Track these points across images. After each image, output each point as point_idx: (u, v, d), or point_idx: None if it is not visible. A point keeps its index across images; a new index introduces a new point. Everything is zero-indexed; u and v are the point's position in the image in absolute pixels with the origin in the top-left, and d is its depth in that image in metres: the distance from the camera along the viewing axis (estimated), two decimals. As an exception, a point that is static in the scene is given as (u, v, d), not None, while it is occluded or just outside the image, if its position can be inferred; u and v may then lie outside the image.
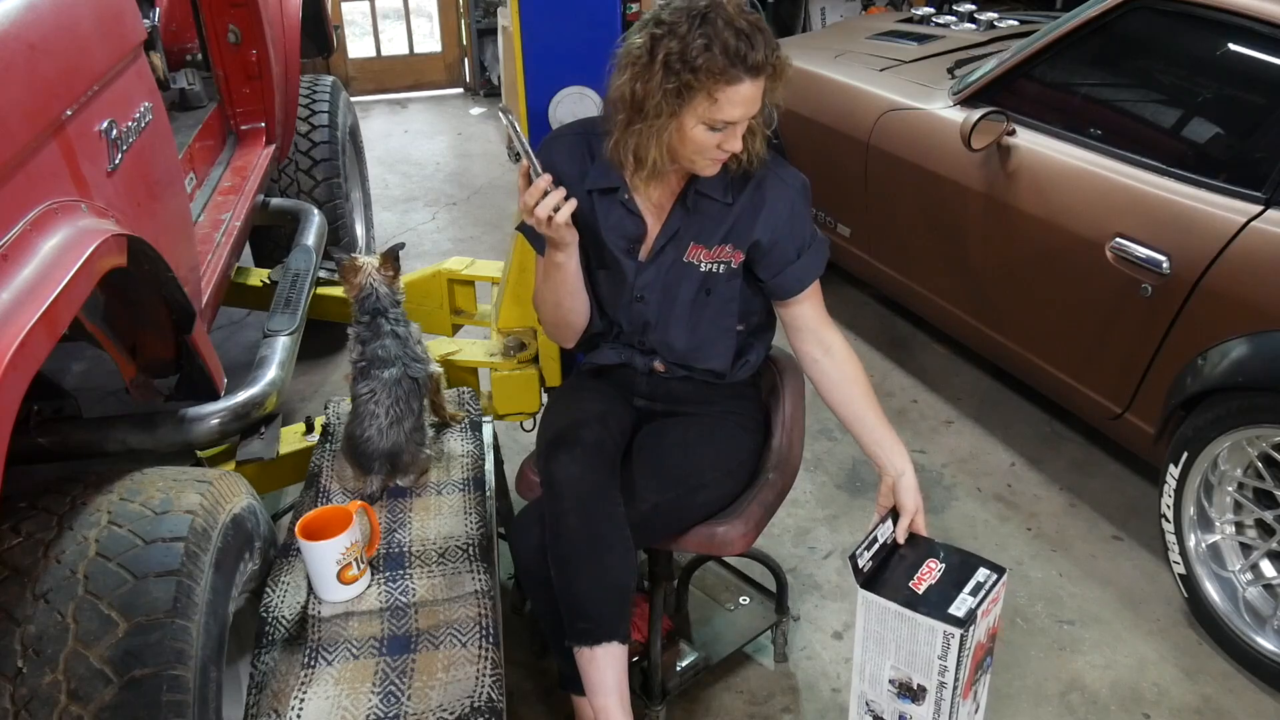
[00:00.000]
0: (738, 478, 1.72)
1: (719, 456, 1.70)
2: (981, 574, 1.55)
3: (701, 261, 1.64)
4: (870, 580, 1.56)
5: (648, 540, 1.65)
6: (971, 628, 1.48)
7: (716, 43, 1.41)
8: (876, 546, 1.60)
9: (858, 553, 1.56)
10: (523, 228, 1.68)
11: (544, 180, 1.48)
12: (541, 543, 1.56)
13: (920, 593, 1.53)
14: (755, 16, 1.48)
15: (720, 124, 1.47)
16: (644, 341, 1.72)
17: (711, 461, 1.68)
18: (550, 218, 1.49)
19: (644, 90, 1.46)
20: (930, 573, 1.56)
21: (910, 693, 1.57)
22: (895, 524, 1.64)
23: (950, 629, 1.47)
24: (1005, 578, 1.57)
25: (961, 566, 1.57)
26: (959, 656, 1.49)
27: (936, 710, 1.55)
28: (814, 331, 1.70)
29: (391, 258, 1.78)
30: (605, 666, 1.51)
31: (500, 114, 1.54)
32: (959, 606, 1.50)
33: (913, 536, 1.63)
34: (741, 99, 1.45)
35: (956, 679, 1.52)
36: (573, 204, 1.50)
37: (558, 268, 1.61)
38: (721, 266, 1.64)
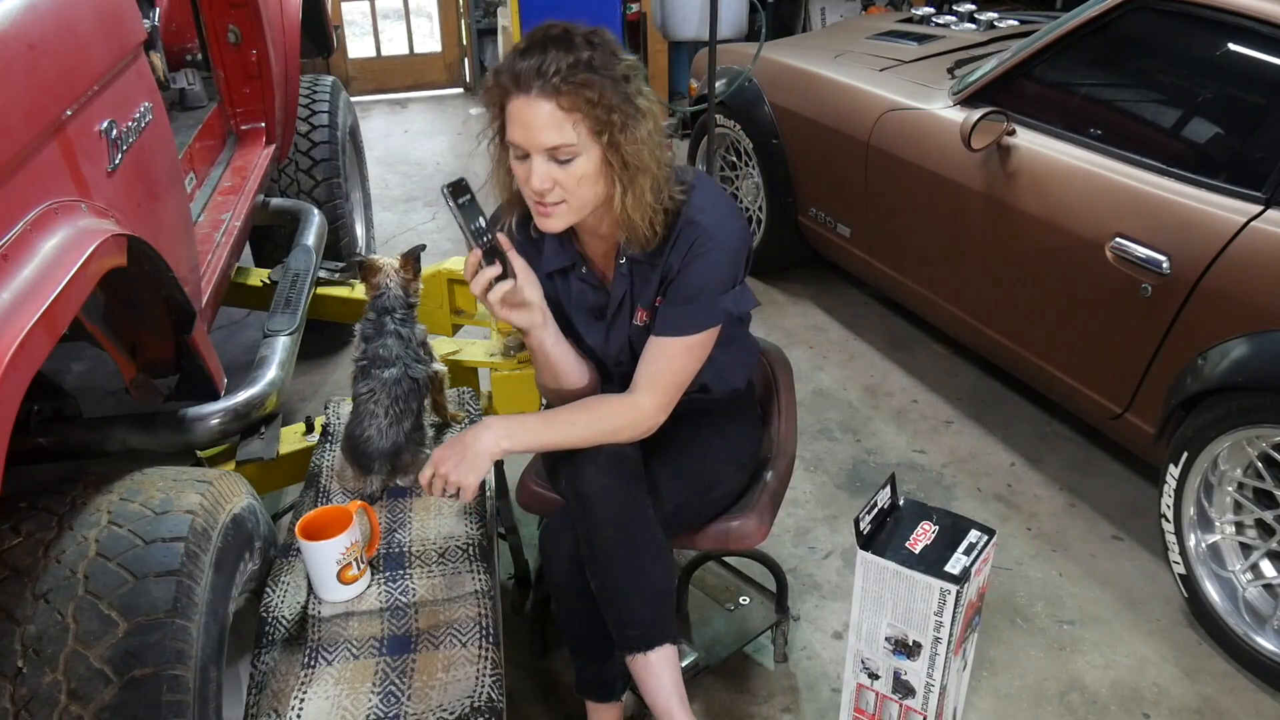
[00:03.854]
0: (746, 471, 1.73)
1: (730, 452, 1.70)
2: (973, 535, 1.65)
3: (644, 322, 1.59)
4: (868, 542, 1.65)
5: (669, 540, 1.65)
6: (966, 585, 1.58)
7: (511, 55, 1.37)
8: (876, 511, 1.68)
9: (860, 517, 1.64)
10: None
11: (475, 255, 1.43)
12: (574, 553, 1.54)
13: (917, 552, 1.63)
14: (585, 31, 1.37)
15: (516, 149, 1.40)
16: None
17: (724, 458, 1.69)
18: (487, 298, 1.44)
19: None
20: (925, 534, 1.66)
21: (905, 649, 1.67)
22: (893, 489, 1.71)
23: (947, 585, 1.57)
24: (995, 539, 1.66)
25: (954, 528, 1.67)
26: (954, 612, 1.58)
27: (930, 665, 1.66)
28: (638, 381, 1.55)
29: (412, 259, 1.78)
30: (661, 670, 1.52)
31: (442, 194, 1.46)
32: (954, 565, 1.59)
33: (908, 500, 1.72)
34: (518, 117, 1.36)
35: (950, 634, 1.61)
36: (508, 284, 1.44)
37: (534, 350, 1.58)
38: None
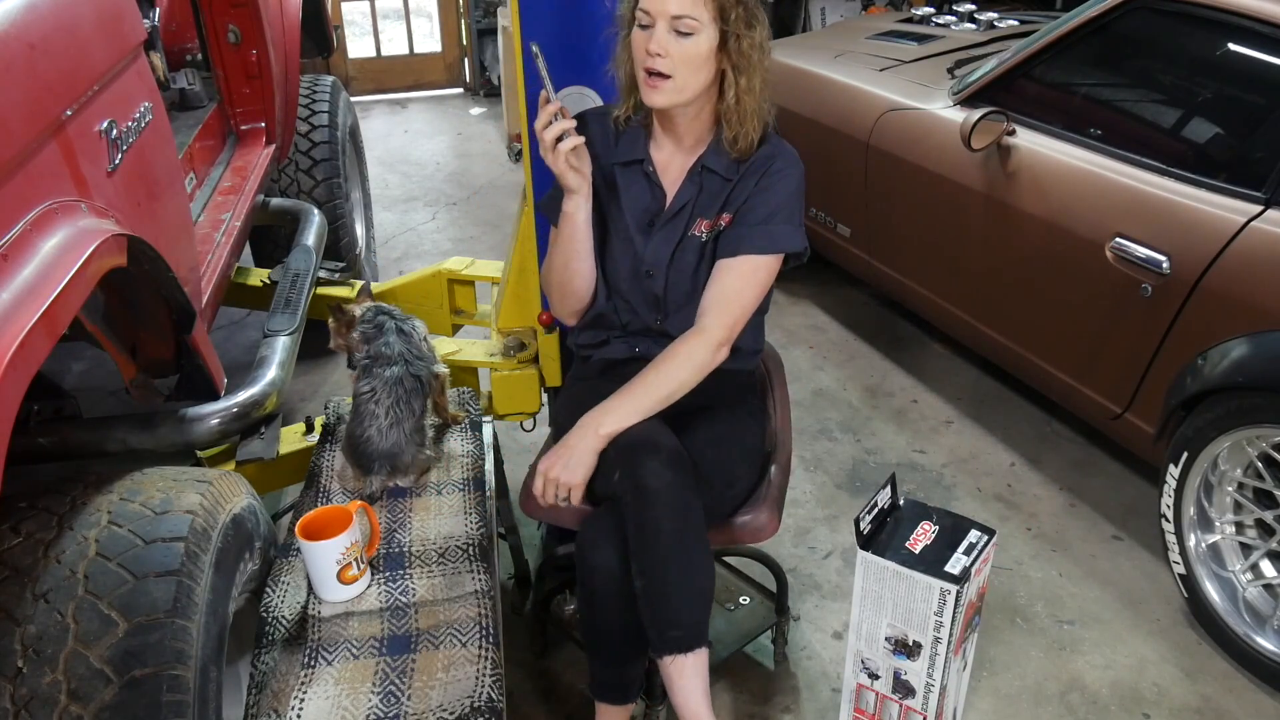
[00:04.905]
0: (756, 466, 1.74)
1: (744, 449, 1.71)
2: (974, 535, 1.66)
3: (703, 233, 1.67)
4: (868, 542, 1.65)
5: None
6: (966, 585, 1.59)
7: None
8: (876, 511, 1.68)
9: (860, 517, 1.64)
10: (541, 205, 1.75)
11: (554, 105, 1.54)
12: (620, 557, 1.52)
13: (917, 552, 1.63)
14: None
15: (643, 17, 1.52)
16: (660, 320, 1.72)
17: (737, 455, 1.69)
18: (556, 148, 1.54)
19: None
20: (925, 534, 1.67)
21: (905, 649, 1.67)
22: (893, 489, 1.71)
23: (947, 585, 1.58)
24: (995, 539, 1.67)
25: (954, 528, 1.67)
26: (954, 612, 1.59)
27: (930, 665, 1.66)
28: (705, 307, 1.64)
29: (367, 293, 1.87)
30: (695, 673, 1.50)
31: (531, 48, 1.60)
32: (954, 565, 1.60)
33: (908, 500, 1.73)
34: None
35: (950, 635, 1.62)
36: (580, 139, 1.55)
37: (567, 218, 1.64)
38: (715, 231, 1.67)
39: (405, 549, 1.63)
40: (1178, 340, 2.07)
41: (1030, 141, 2.44)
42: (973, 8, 3.69)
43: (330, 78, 3.38)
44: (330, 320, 1.79)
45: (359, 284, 2.69)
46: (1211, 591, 2.06)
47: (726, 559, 2.17)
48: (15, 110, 1.23)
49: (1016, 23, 3.52)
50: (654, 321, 1.73)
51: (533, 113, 1.99)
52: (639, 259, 1.69)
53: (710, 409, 1.73)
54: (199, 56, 2.72)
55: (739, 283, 1.63)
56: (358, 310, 1.77)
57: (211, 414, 1.88)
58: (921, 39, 3.40)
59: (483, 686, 1.37)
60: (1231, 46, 2.21)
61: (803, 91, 3.25)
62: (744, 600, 2.09)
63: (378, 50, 6.19)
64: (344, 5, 5.87)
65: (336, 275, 2.83)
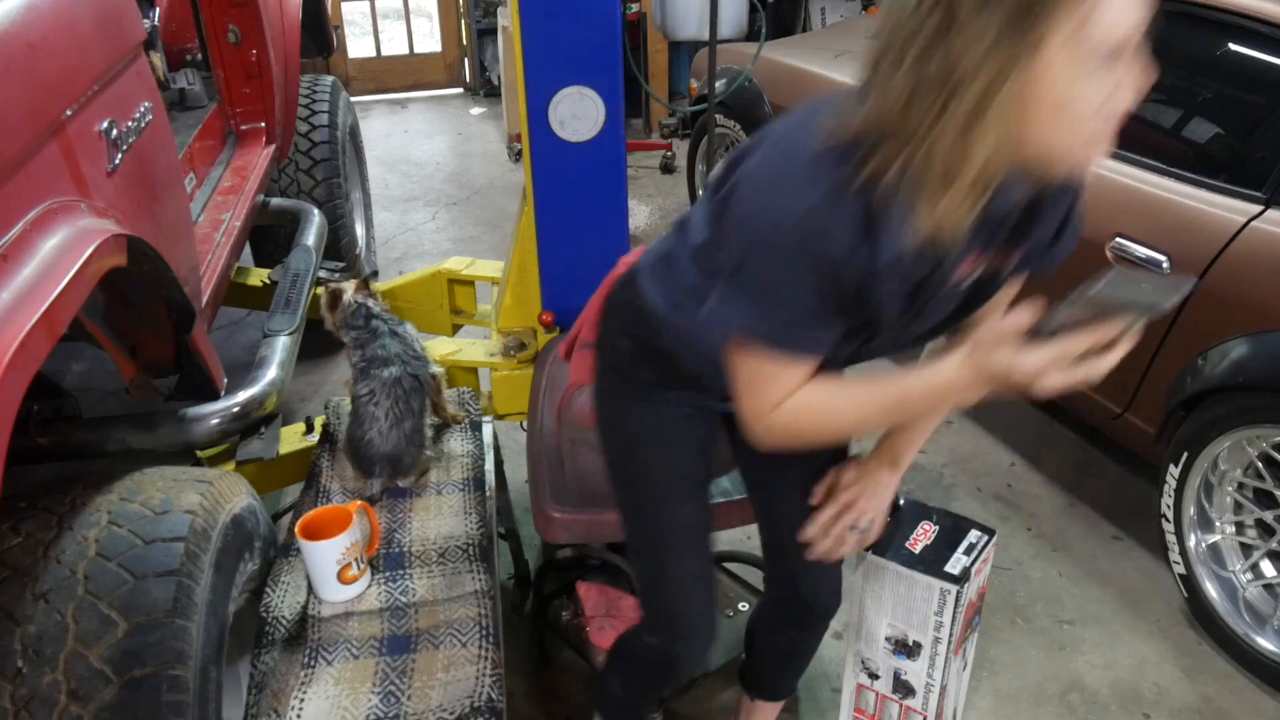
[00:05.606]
0: None
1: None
2: (974, 535, 1.66)
3: (974, 268, 1.21)
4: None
5: None
6: (966, 585, 1.59)
7: None
8: None
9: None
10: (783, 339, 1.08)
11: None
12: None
13: (917, 552, 1.63)
14: None
15: (1112, 46, 0.87)
16: None
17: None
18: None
19: (954, 50, 0.87)
20: (925, 534, 1.66)
21: (905, 649, 1.68)
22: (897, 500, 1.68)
23: (947, 586, 1.58)
24: (995, 539, 1.66)
25: (954, 528, 1.67)
26: (954, 612, 1.59)
27: (930, 665, 1.66)
28: None
29: (363, 284, 1.86)
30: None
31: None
32: (954, 565, 1.60)
33: (907, 500, 1.71)
34: None
35: (950, 635, 1.62)
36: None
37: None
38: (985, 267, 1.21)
39: (405, 549, 1.63)
40: (1178, 340, 2.07)
41: (1030, 141, 2.43)
42: (973, 8, 3.68)
43: (330, 78, 3.38)
44: (323, 296, 1.80)
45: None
46: (1211, 591, 2.06)
47: (726, 564, 2.17)
48: (15, 110, 1.23)
49: (1016, 23, 3.51)
50: None
51: (533, 115, 2.00)
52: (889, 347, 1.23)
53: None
54: (199, 56, 2.72)
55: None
56: (346, 296, 1.77)
57: (211, 414, 1.88)
58: (921, 39, 3.40)
59: (483, 686, 1.37)
60: (1231, 46, 2.21)
61: (803, 91, 3.25)
62: (742, 606, 2.09)
63: (378, 50, 6.19)
64: (344, 5, 5.87)
65: (336, 275, 2.83)
